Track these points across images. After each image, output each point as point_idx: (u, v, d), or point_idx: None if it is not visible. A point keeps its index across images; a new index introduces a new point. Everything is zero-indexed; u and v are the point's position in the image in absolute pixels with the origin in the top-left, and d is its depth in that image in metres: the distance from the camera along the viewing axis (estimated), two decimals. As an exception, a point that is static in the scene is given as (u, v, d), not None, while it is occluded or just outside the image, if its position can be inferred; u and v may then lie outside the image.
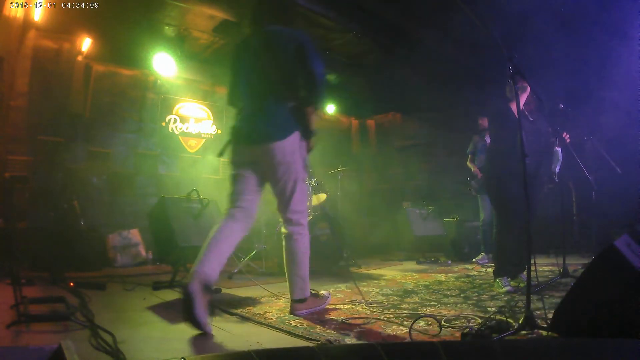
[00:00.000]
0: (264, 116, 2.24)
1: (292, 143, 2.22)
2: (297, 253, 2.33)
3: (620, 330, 1.45)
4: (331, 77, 7.73)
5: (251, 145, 2.25)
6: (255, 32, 2.42)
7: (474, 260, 5.11)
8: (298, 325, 2.10)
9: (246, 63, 2.38)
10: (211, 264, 2.05)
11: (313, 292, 2.47)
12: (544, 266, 4.06)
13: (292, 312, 2.34)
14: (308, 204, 4.78)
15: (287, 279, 2.38)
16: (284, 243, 2.38)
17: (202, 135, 6.50)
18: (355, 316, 2.29)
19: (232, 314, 2.40)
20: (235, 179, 2.29)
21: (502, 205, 3.14)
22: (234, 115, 2.43)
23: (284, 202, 2.32)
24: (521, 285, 3.02)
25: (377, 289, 3.21)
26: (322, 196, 5.10)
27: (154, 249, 5.17)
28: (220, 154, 2.40)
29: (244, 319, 2.29)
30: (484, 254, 5.07)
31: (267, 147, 2.19)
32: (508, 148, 2.92)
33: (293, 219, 2.33)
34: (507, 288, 2.92)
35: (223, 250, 2.13)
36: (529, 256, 1.90)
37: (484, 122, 5.11)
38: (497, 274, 3.04)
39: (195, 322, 1.91)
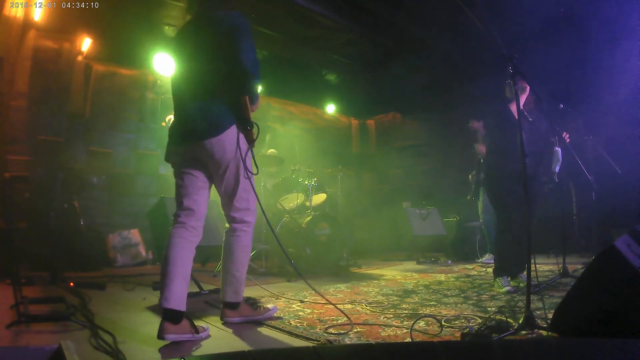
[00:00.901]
0: (197, 111, 2.02)
1: (229, 138, 2.02)
2: (237, 250, 2.17)
3: (620, 330, 1.45)
4: (331, 77, 7.74)
5: (186, 144, 2.06)
6: (193, 18, 2.23)
7: (478, 260, 5.10)
8: (298, 325, 2.10)
9: (179, 53, 2.18)
10: (178, 292, 1.89)
11: (253, 301, 2.33)
12: (544, 266, 4.07)
13: (222, 319, 2.19)
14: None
15: (220, 279, 2.21)
16: (224, 238, 2.23)
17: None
18: (356, 316, 2.29)
19: (232, 314, 2.39)
20: (180, 178, 2.10)
21: (502, 205, 3.14)
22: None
23: (227, 199, 2.16)
24: (521, 285, 3.02)
25: (377, 289, 3.21)
26: (322, 196, 5.10)
27: (154, 249, 5.18)
28: (167, 159, 2.19)
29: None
30: (489, 254, 5.04)
31: (203, 145, 2.00)
32: (507, 148, 2.92)
33: (237, 217, 2.17)
34: (507, 288, 2.92)
35: (185, 273, 1.96)
36: (529, 256, 1.90)
37: (474, 124, 5.12)
38: (497, 273, 3.05)
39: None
